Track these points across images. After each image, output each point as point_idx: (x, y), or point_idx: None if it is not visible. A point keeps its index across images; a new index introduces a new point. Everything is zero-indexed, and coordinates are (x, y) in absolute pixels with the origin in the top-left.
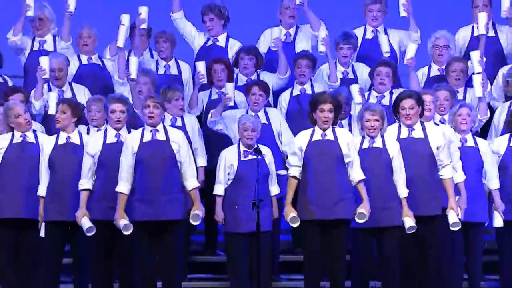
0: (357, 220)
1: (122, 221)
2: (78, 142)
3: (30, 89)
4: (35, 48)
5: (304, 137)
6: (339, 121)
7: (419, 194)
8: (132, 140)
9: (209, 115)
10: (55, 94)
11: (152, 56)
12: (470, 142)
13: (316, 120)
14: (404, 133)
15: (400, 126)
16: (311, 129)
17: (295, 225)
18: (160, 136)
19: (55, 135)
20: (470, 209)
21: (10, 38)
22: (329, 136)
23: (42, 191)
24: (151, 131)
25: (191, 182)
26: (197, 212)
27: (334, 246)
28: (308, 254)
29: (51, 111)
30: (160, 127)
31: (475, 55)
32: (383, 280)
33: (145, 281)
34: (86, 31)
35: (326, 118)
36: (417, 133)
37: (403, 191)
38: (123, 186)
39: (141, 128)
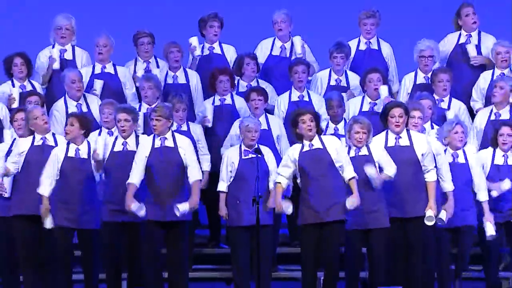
0: (347, 205)
1: (134, 206)
2: (86, 156)
3: (55, 95)
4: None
5: (295, 149)
6: (334, 125)
7: (406, 197)
8: (146, 143)
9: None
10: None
11: (157, 65)
12: (461, 158)
13: (301, 134)
14: (391, 142)
15: (387, 134)
16: (300, 144)
17: (289, 211)
18: (169, 143)
19: (66, 144)
20: (461, 215)
21: (40, 84)
22: (317, 145)
23: (46, 191)
24: (160, 138)
25: (194, 175)
26: (185, 205)
27: (328, 242)
28: (304, 253)
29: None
30: (169, 134)
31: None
32: (371, 274)
33: (153, 272)
34: (102, 41)
35: (309, 126)
36: (404, 141)
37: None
38: (135, 178)
39: (153, 134)
